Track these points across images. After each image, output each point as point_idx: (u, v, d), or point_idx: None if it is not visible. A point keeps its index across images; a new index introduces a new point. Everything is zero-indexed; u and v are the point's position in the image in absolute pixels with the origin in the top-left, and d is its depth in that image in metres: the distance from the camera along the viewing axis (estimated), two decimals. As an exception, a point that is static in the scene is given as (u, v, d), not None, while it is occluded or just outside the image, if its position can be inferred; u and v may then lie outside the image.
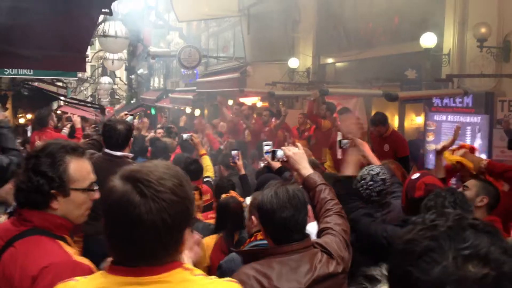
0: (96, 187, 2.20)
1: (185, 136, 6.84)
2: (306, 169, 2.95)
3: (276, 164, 4.64)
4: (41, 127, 7.99)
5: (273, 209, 2.50)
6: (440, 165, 4.52)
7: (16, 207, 2.24)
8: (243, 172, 5.69)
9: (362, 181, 3.61)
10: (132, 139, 4.72)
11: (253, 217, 3.26)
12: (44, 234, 2.07)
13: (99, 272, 1.58)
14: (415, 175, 3.53)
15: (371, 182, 3.59)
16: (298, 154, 3.00)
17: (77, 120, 8.41)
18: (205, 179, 6.26)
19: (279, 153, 3.23)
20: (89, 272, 1.93)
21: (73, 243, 2.23)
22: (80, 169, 2.17)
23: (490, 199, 3.81)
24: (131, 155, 4.75)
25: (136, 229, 1.43)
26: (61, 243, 2.10)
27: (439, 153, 4.56)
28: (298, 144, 3.22)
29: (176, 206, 1.46)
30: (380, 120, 7.77)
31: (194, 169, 5.71)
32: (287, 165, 3.20)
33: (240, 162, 5.71)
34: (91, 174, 2.23)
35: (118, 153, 4.39)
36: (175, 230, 1.48)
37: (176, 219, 1.47)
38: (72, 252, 2.09)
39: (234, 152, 5.81)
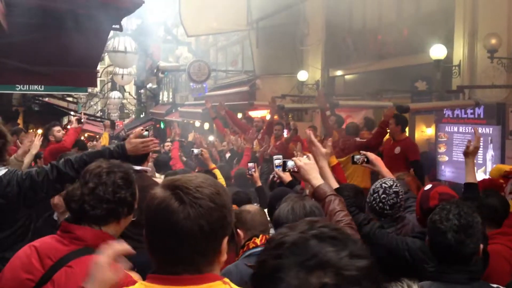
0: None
1: (195, 151, 6.84)
2: (317, 180, 2.93)
3: (287, 178, 4.62)
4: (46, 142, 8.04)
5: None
6: (471, 169, 4.13)
7: (62, 223, 2.19)
8: (259, 183, 5.68)
9: (375, 194, 3.56)
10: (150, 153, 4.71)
11: (238, 230, 3.31)
12: None
13: (140, 282, 1.59)
14: (428, 186, 3.48)
15: (383, 195, 3.53)
16: (309, 165, 2.99)
17: (73, 120, 8.52)
18: None
19: (290, 163, 3.22)
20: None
21: None
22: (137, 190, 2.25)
23: (485, 211, 3.70)
24: (149, 169, 4.74)
25: (174, 235, 1.46)
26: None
27: (468, 155, 4.19)
28: (309, 154, 3.20)
29: (213, 213, 1.49)
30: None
31: None
32: (298, 175, 3.19)
33: (256, 174, 5.71)
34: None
35: (137, 168, 4.38)
36: (212, 237, 1.50)
37: (213, 226, 1.49)
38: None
39: (250, 164, 5.80)
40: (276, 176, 5.01)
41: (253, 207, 3.50)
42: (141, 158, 4.46)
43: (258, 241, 3.25)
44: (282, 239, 1.07)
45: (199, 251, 1.49)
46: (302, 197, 2.90)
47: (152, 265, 1.57)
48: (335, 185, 3.12)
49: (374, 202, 3.56)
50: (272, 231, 3.24)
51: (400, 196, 3.58)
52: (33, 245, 2.11)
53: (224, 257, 1.58)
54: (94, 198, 2.11)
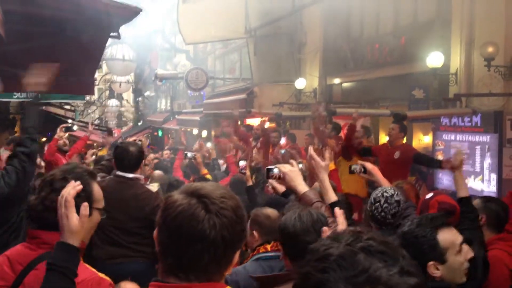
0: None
1: (189, 154, 6.84)
2: (302, 186, 2.97)
3: (281, 188, 4.63)
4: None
5: (296, 233, 2.51)
6: (461, 183, 3.97)
7: (29, 231, 2.28)
8: (250, 183, 5.67)
9: (376, 204, 3.52)
10: (142, 163, 4.71)
11: (254, 232, 3.38)
12: None
13: None
14: (429, 195, 3.47)
15: (385, 205, 3.49)
16: (293, 172, 3.03)
17: (91, 129, 8.56)
18: None
19: (275, 170, 3.24)
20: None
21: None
22: (99, 191, 2.30)
23: (488, 217, 3.70)
24: (142, 177, 4.74)
25: (198, 243, 1.47)
26: (82, 261, 2.15)
27: (455, 169, 4.04)
28: (293, 161, 3.23)
29: (235, 225, 1.51)
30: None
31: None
32: (283, 182, 3.21)
33: (248, 173, 5.70)
34: (103, 199, 2.34)
35: (130, 175, 4.38)
36: (230, 248, 1.52)
37: (233, 237, 1.51)
38: (94, 270, 2.17)
39: (242, 163, 5.79)
40: (270, 186, 5.02)
41: (273, 213, 3.51)
42: (134, 166, 4.45)
43: (269, 247, 3.32)
44: (327, 251, 1.02)
45: (216, 260, 1.50)
46: (304, 205, 2.91)
47: (159, 270, 1.56)
48: (334, 198, 3.11)
49: (375, 212, 3.51)
50: None
51: (401, 205, 3.56)
52: (5, 254, 2.21)
53: (230, 269, 1.59)
54: (44, 207, 2.19)
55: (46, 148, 8.28)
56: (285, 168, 3.07)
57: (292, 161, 3.32)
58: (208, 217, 1.47)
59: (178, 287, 1.49)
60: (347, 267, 0.97)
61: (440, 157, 8.94)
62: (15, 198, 3.25)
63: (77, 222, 2.00)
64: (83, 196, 2.18)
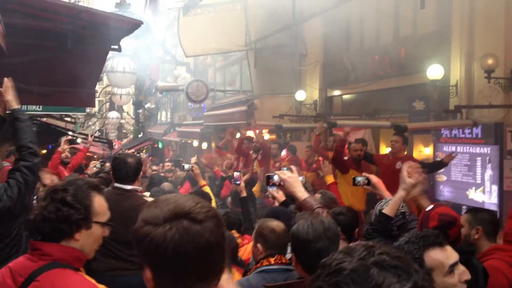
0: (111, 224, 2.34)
1: (186, 166, 6.83)
2: (301, 192, 3.01)
3: (281, 197, 4.64)
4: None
5: (308, 240, 2.57)
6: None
7: (31, 242, 2.28)
8: (244, 194, 5.66)
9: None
10: (141, 173, 4.71)
11: (258, 245, 3.40)
12: (66, 267, 2.14)
13: None
14: (429, 207, 3.45)
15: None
16: (292, 178, 3.06)
17: (90, 140, 8.60)
18: None
19: (275, 177, 3.25)
20: None
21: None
22: (101, 204, 2.32)
23: (484, 226, 3.64)
24: (140, 188, 4.73)
25: (210, 254, 1.48)
26: (83, 273, 2.19)
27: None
28: (292, 167, 3.25)
29: (220, 220, 1.54)
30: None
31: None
32: (283, 189, 3.23)
33: (242, 184, 5.70)
34: (108, 211, 2.36)
35: (128, 187, 4.37)
36: (224, 245, 1.54)
37: (224, 230, 1.55)
38: (94, 281, 2.16)
39: (236, 174, 5.78)
40: (270, 195, 5.03)
41: (279, 226, 3.49)
42: (132, 178, 4.44)
43: (272, 260, 3.32)
44: (339, 265, 1.01)
45: (224, 256, 1.54)
46: (315, 214, 2.93)
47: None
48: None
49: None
50: (289, 249, 3.25)
51: (407, 217, 3.53)
52: (8, 266, 2.21)
53: (225, 274, 1.61)
54: (42, 218, 2.21)
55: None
56: (285, 174, 3.10)
57: (292, 166, 3.33)
58: (203, 227, 1.47)
59: None
60: (360, 282, 0.96)
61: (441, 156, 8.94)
62: (17, 212, 3.25)
63: None
64: (79, 208, 2.20)
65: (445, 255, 2.43)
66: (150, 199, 4.41)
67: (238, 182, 5.68)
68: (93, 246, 2.29)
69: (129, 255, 4.17)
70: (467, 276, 2.44)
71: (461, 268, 2.45)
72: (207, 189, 6.53)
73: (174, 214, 1.48)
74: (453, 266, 2.41)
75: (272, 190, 4.57)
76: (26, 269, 2.15)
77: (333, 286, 0.98)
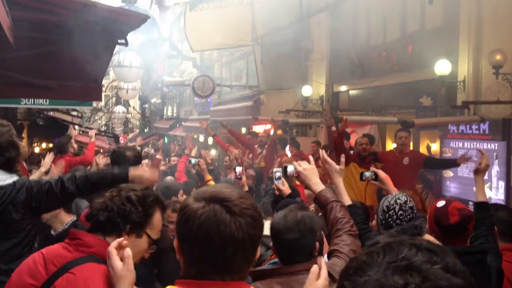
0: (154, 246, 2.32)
1: (193, 161, 6.84)
2: (317, 185, 2.92)
3: (287, 190, 4.61)
4: (60, 153, 8.11)
5: (279, 230, 2.61)
6: (481, 187, 3.89)
7: (71, 231, 2.25)
8: (246, 189, 5.66)
9: (391, 212, 3.39)
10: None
11: None
12: (103, 263, 2.06)
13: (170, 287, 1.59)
14: (441, 203, 3.37)
15: (400, 212, 3.37)
16: (308, 170, 2.99)
17: (92, 134, 8.63)
18: None
19: (290, 168, 3.22)
20: None
21: None
22: (159, 221, 2.32)
23: (500, 226, 3.64)
24: None
25: (229, 246, 1.53)
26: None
27: (479, 172, 3.96)
28: (311, 157, 3.18)
29: (258, 222, 1.59)
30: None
31: None
32: (299, 180, 3.19)
33: (244, 178, 5.70)
34: (159, 233, 2.35)
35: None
36: (256, 245, 1.60)
37: (258, 234, 1.59)
38: None
39: (238, 169, 5.78)
40: (276, 188, 5.00)
41: None
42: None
43: None
44: (377, 239, 1.09)
45: (247, 259, 1.57)
46: (300, 206, 2.91)
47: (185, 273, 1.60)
48: (348, 201, 3.10)
49: (390, 220, 3.38)
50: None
51: (415, 211, 3.49)
52: (41, 252, 2.15)
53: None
54: (102, 206, 2.20)
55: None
56: (300, 166, 3.04)
57: (310, 156, 3.28)
58: (234, 220, 1.53)
59: (215, 284, 1.53)
60: (391, 253, 1.01)
61: (449, 154, 8.89)
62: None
63: (120, 267, 1.96)
64: (141, 211, 2.22)
65: None
66: None
67: (240, 177, 5.68)
68: (136, 257, 2.21)
69: None
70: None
71: None
72: (212, 184, 6.54)
73: (213, 196, 1.58)
74: None
75: (278, 183, 4.55)
76: (60, 258, 2.09)
77: (366, 254, 1.05)
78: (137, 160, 4.46)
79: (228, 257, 1.53)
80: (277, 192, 4.60)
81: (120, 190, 2.28)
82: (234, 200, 1.56)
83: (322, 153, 3.16)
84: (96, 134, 8.67)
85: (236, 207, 1.54)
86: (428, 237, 2.55)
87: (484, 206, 3.61)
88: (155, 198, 2.32)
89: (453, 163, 7.80)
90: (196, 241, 1.55)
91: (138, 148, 5.46)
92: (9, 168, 3.26)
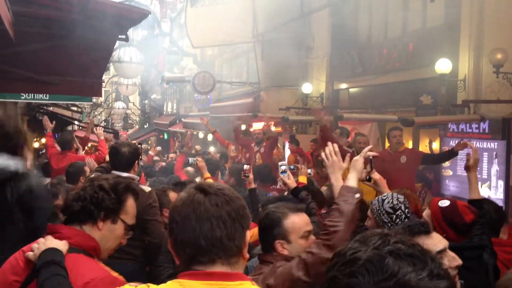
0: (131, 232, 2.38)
1: (190, 160, 6.85)
2: (337, 181, 2.88)
3: (292, 184, 4.59)
4: (63, 150, 8.10)
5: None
6: (475, 184, 3.94)
7: (48, 225, 2.30)
8: (253, 185, 5.66)
9: (398, 212, 3.33)
10: (137, 161, 4.65)
11: None
12: (81, 253, 2.15)
13: (172, 281, 1.63)
14: (445, 202, 3.33)
15: (406, 210, 3.35)
16: (334, 164, 2.92)
17: (100, 132, 8.63)
18: None
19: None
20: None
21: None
22: (133, 207, 2.37)
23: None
24: (137, 177, 4.70)
25: (206, 221, 1.59)
26: (97, 260, 2.20)
27: (470, 168, 4.00)
28: (337, 151, 3.05)
29: (235, 200, 1.65)
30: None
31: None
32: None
33: (251, 176, 5.70)
34: (135, 218, 2.40)
35: (124, 174, 4.33)
36: (238, 223, 1.63)
37: (238, 213, 1.64)
38: (108, 268, 2.18)
39: (246, 167, 5.80)
40: (282, 182, 4.98)
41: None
42: (126, 166, 4.41)
43: None
44: (354, 254, 1.01)
45: (229, 235, 1.60)
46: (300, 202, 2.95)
47: (180, 268, 1.65)
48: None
49: (398, 220, 3.31)
50: None
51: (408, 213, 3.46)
52: (22, 250, 2.20)
53: (246, 254, 1.68)
54: (75, 197, 2.27)
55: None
56: (329, 158, 2.96)
57: (337, 150, 3.10)
58: (208, 198, 1.62)
59: (203, 274, 1.58)
60: (376, 272, 0.96)
61: (447, 163, 8.86)
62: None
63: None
64: (114, 197, 2.27)
65: (432, 242, 2.47)
66: (148, 189, 4.41)
67: (247, 175, 5.69)
68: (111, 244, 2.30)
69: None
70: (457, 262, 2.48)
71: (450, 254, 2.49)
72: (211, 181, 6.53)
73: (196, 186, 1.69)
74: (440, 253, 2.44)
75: (284, 177, 4.54)
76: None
77: (348, 275, 0.98)
78: (131, 156, 4.43)
79: (209, 233, 1.58)
80: (282, 186, 4.58)
81: (93, 180, 2.34)
82: (211, 185, 1.68)
83: (333, 146, 3.05)
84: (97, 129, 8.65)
85: (211, 189, 1.65)
86: (435, 235, 2.54)
87: (478, 204, 3.62)
88: (127, 185, 2.37)
89: (452, 153, 7.61)
90: (178, 224, 1.63)
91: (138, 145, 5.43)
92: (15, 153, 3.24)
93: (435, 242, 2.48)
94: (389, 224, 3.31)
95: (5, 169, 3.10)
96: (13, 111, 3.24)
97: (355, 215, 2.56)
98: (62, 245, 2.10)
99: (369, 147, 3.18)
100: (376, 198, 3.50)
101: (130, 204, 2.35)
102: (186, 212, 1.61)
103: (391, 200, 3.36)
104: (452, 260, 2.46)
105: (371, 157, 3.25)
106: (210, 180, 6.49)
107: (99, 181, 2.32)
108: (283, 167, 4.61)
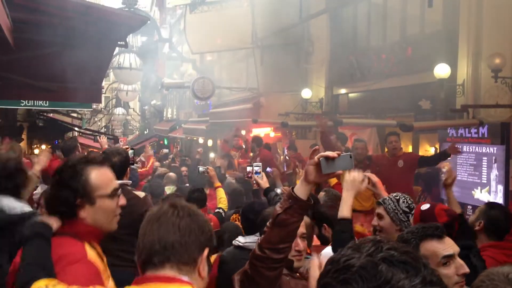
0: (120, 193, 2.34)
1: (201, 168, 6.83)
2: (347, 199, 3.12)
3: (265, 184, 4.80)
4: (66, 157, 8.09)
5: None
6: (454, 199, 4.21)
7: None
8: (256, 187, 5.73)
9: (409, 214, 3.33)
10: (128, 170, 4.63)
11: None
12: (68, 236, 2.14)
13: None
14: (426, 206, 3.36)
15: (413, 212, 3.33)
16: (354, 181, 3.13)
17: (103, 141, 8.66)
18: (216, 210, 6.24)
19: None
20: (95, 273, 2.04)
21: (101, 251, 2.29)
22: (101, 176, 2.27)
23: (487, 222, 3.71)
24: (130, 182, 4.68)
25: (163, 227, 1.71)
26: (85, 244, 2.15)
27: (447, 187, 4.30)
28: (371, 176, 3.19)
29: (200, 218, 1.78)
30: None
31: (196, 197, 5.75)
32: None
33: (255, 176, 5.75)
34: (114, 181, 2.33)
35: (118, 182, 4.30)
36: (196, 236, 1.73)
37: (199, 227, 1.75)
38: (93, 254, 2.14)
39: (249, 168, 5.84)
40: (255, 182, 5.19)
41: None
42: (119, 175, 4.37)
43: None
44: (348, 261, 1.01)
45: (182, 242, 1.69)
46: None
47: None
48: (348, 214, 3.13)
49: (407, 223, 3.30)
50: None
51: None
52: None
53: (203, 273, 1.74)
54: (46, 202, 2.35)
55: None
56: (350, 176, 3.14)
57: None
58: (174, 209, 1.75)
59: (144, 278, 1.68)
60: (369, 279, 0.96)
61: (446, 168, 8.84)
62: None
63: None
64: (75, 187, 2.17)
65: (442, 246, 2.45)
66: (142, 194, 4.42)
67: (250, 176, 5.74)
68: (106, 218, 2.25)
69: (117, 250, 4.01)
70: (465, 269, 2.43)
71: (459, 261, 2.45)
72: (221, 190, 6.52)
73: (169, 203, 1.82)
74: (448, 258, 2.41)
75: (257, 177, 4.76)
76: None
77: (341, 283, 0.98)
78: (123, 164, 4.40)
79: (164, 236, 1.70)
80: (255, 186, 4.75)
81: (52, 178, 2.28)
82: (182, 203, 1.83)
83: (371, 176, 3.20)
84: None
85: (181, 204, 1.80)
86: (448, 240, 2.55)
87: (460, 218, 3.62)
88: (82, 162, 2.25)
89: (443, 154, 7.72)
90: (142, 235, 1.76)
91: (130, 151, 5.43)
92: (17, 194, 3.26)
93: (446, 247, 2.45)
94: (406, 223, 3.31)
95: (12, 214, 3.08)
96: (18, 148, 3.21)
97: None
98: (53, 221, 2.14)
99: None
100: (387, 197, 3.49)
101: (95, 177, 2.22)
102: (153, 220, 1.74)
103: (406, 200, 3.36)
104: (459, 268, 2.42)
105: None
106: (221, 190, 6.50)
107: (55, 177, 2.25)
108: (256, 168, 4.82)
